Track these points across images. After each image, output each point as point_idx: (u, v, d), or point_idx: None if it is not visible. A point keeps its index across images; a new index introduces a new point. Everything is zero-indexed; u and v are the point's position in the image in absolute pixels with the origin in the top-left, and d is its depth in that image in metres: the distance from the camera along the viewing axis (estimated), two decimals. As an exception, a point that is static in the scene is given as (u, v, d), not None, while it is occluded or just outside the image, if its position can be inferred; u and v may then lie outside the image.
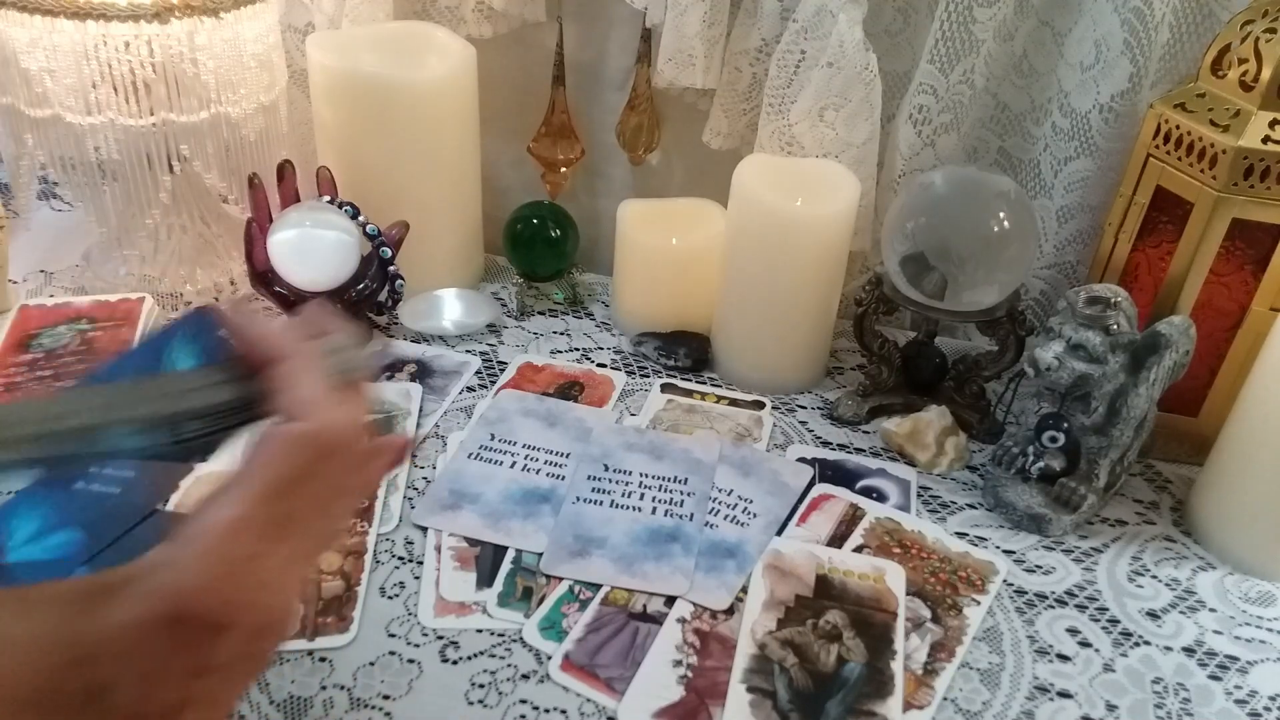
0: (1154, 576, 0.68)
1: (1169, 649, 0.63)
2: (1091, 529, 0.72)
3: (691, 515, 0.69)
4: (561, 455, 0.74)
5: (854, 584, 0.64)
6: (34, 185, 0.85)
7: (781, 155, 0.84)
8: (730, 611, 0.62)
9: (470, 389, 0.81)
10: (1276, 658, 0.63)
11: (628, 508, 0.69)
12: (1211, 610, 0.66)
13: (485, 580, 0.63)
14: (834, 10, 0.78)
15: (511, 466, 0.72)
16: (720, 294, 0.84)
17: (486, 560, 0.65)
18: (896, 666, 0.58)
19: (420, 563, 0.64)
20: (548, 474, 0.72)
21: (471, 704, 0.56)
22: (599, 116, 0.96)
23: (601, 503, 0.69)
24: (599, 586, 0.63)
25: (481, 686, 0.57)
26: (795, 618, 0.61)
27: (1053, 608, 0.65)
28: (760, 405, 0.81)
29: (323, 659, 0.57)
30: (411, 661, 0.58)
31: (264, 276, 0.80)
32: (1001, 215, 0.73)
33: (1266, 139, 0.67)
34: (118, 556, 0.55)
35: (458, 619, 0.61)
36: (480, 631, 0.60)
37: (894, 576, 0.65)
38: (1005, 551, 0.69)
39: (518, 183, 1.00)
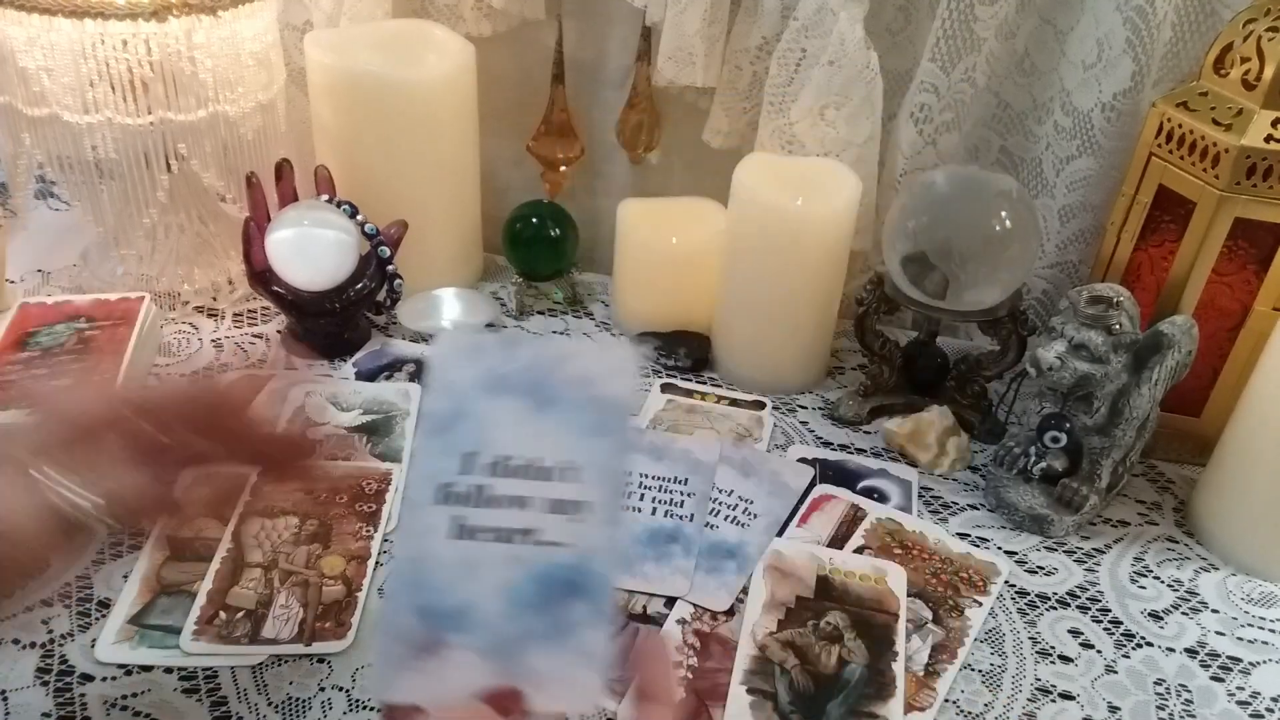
0: (1156, 577, 0.68)
1: (1171, 650, 0.63)
2: (1093, 530, 0.72)
3: (691, 516, 0.68)
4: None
5: (855, 585, 0.64)
6: (31, 184, 0.85)
7: (782, 154, 0.84)
8: (730, 613, 0.62)
9: (469, 389, 0.81)
10: (1279, 659, 0.63)
11: (627, 508, 0.69)
12: (1214, 611, 0.66)
13: (484, 581, 0.63)
14: (835, 8, 0.78)
15: (511, 467, 0.72)
16: (720, 294, 0.83)
17: (486, 561, 0.64)
18: (898, 668, 0.58)
19: (419, 564, 0.64)
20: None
21: (470, 706, 0.55)
22: (598, 115, 0.95)
23: (601, 503, 0.69)
24: (598, 588, 0.64)
25: (481, 688, 0.56)
26: (796, 619, 0.61)
27: (1055, 609, 0.65)
28: (761, 405, 0.81)
29: (320, 660, 0.57)
30: (410, 663, 0.58)
31: (262, 276, 0.80)
32: (1003, 214, 0.73)
33: (1269, 138, 0.67)
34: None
35: (457, 620, 0.60)
36: (479, 633, 0.60)
37: (895, 578, 0.64)
38: (1007, 552, 0.69)
39: (517, 182, 1.00)
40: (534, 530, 0.39)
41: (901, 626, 0.61)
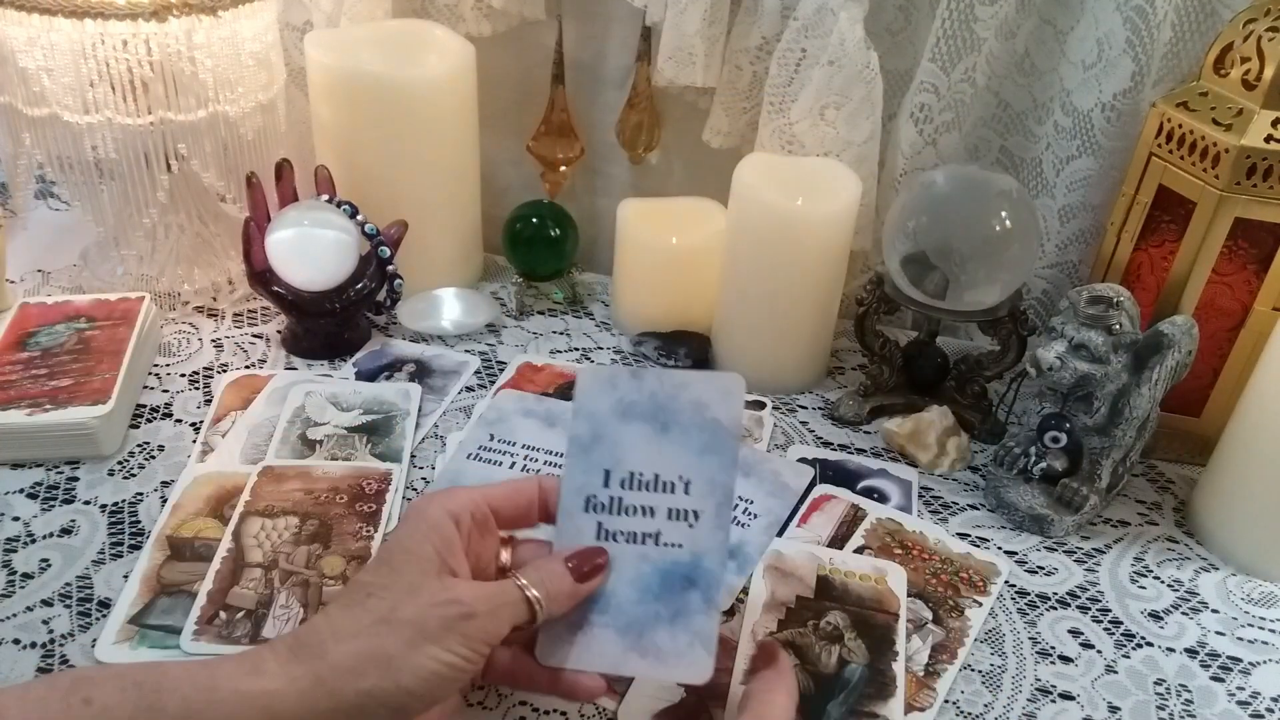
0: (1156, 577, 0.68)
1: (1171, 650, 0.63)
2: (1094, 530, 0.72)
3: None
4: (561, 456, 0.73)
5: (855, 585, 0.64)
6: (31, 184, 0.85)
7: (782, 154, 0.84)
8: (731, 613, 0.62)
9: (469, 389, 0.81)
10: (1279, 659, 0.63)
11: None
12: (1214, 611, 0.66)
13: (484, 581, 0.63)
14: (835, 8, 0.78)
15: (511, 467, 0.72)
16: (720, 294, 0.83)
17: (486, 561, 0.65)
18: (898, 668, 0.58)
19: (419, 564, 0.64)
20: (547, 474, 0.71)
21: (471, 705, 0.55)
22: (598, 115, 0.95)
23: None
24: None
25: (481, 689, 0.56)
26: (796, 619, 0.61)
27: (1055, 609, 0.65)
28: (761, 405, 0.81)
29: (321, 661, 0.57)
30: (410, 663, 0.58)
31: (262, 276, 0.80)
32: (1003, 214, 0.73)
33: (1269, 138, 0.67)
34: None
35: (457, 620, 0.60)
36: (479, 633, 0.60)
37: (895, 578, 0.64)
38: (1007, 552, 0.69)
39: (517, 182, 1.00)
40: (658, 533, 0.50)
41: (902, 627, 0.61)
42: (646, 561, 0.50)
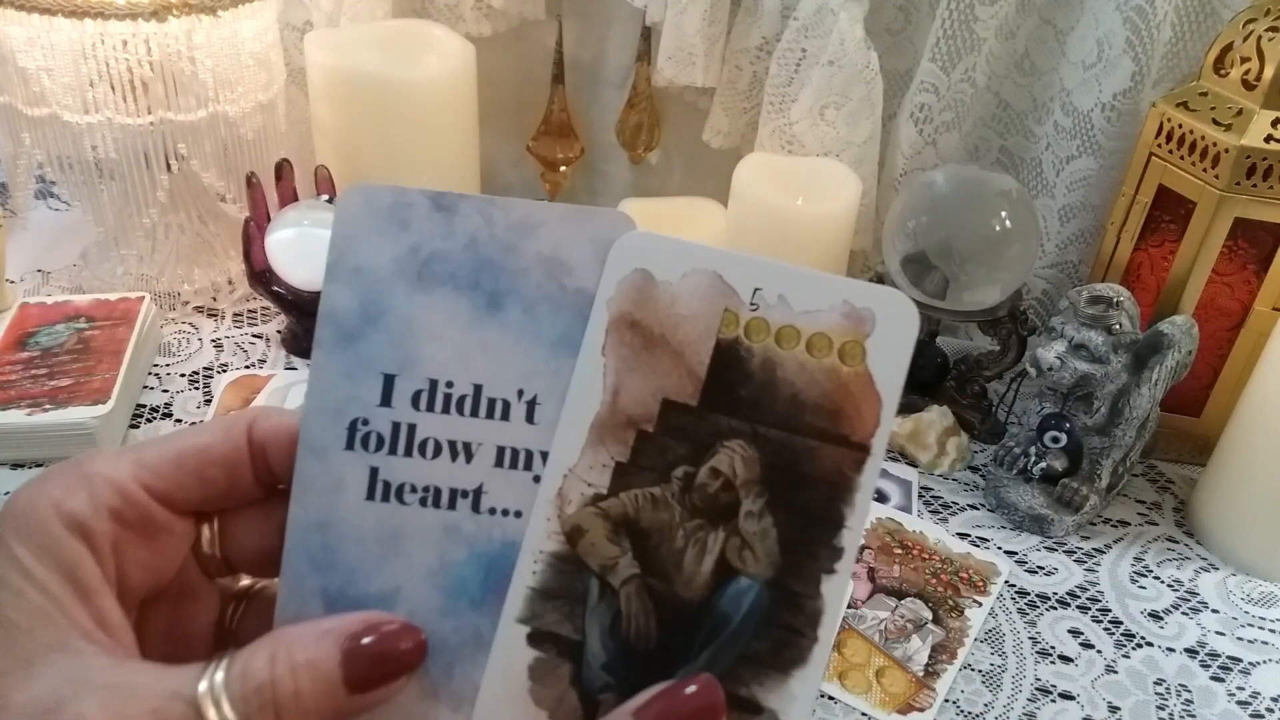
0: (1156, 577, 0.68)
1: (1171, 650, 0.63)
2: (1094, 530, 0.72)
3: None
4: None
5: (794, 366, 0.28)
6: (31, 184, 0.85)
7: (782, 154, 0.84)
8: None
9: (469, 389, 0.81)
10: (1279, 659, 0.63)
11: None
12: (1214, 611, 0.66)
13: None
14: (835, 8, 0.78)
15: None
16: (720, 293, 0.83)
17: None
18: (831, 591, 0.28)
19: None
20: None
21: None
22: (598, 115, 0.95)
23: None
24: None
25: (481, 688, 0.56)
26: (650, 460, 0.29)
27: (1055, 609, 0.65)
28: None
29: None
30: (410, 663, 0.57)
31: (262, 276, 0.80)
32: (1003, 214, 0.73)
33: (1269, 138, 0.67)
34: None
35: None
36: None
37: (885, 349, 0.28)
38: (1007, 552, 0.69)
39: (517, 182, 1.00)
40: (479, 491, 0.29)
41: (868, 480, 0.28)
42: (458, 541, 0.29)
